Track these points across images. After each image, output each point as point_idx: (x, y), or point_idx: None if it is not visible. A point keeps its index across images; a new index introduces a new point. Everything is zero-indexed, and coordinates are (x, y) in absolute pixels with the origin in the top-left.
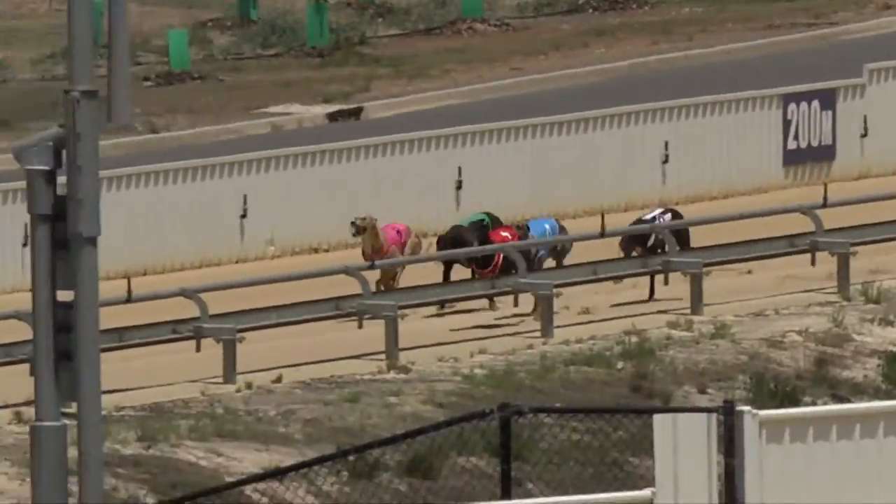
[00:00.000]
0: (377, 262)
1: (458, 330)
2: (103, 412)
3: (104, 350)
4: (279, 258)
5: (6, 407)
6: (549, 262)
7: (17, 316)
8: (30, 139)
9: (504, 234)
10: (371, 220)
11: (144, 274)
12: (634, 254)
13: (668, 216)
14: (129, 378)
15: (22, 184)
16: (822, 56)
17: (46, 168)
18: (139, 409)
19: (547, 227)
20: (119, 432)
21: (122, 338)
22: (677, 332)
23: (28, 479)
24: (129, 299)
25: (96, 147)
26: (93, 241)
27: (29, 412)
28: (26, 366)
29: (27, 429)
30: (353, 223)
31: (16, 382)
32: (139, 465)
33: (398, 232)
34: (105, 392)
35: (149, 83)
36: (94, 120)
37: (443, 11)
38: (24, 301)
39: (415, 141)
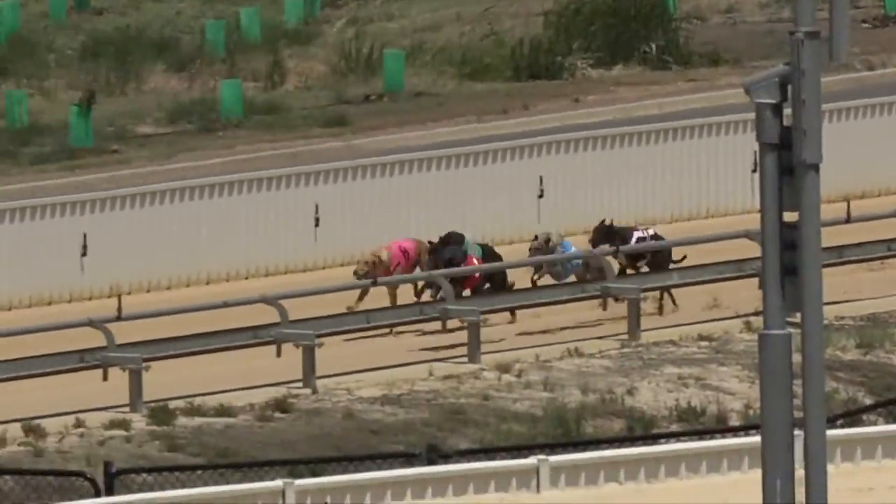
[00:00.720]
0: (379, 280)
1: None
2: (824, 322)
3: (825, 265)
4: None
5: (738, 317)
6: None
7: (747, 235)
8: (759, 75)
9: (474, 260)
10: (371, 264)
11: (862, 197)
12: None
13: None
14: (855, 292)
15: (751, 115)
16: None
17: (774, 101)
18: (857, 320)
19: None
20: (839, 340)
21: (842, 254)
22: None
23: (756, 382)
24: (848, 219)
25: (818, 82)
26: (815, 168)
27: (757, 321)
28: (754, 280)
29: (756, 336)
30: (355, 273)
31: (746, 295)
32: (857, 370)
33: (405, 252)
34: (826, 304)
35: (866, 25)
36: (817, 58)
37: None
38: (752, 222)
39: None
